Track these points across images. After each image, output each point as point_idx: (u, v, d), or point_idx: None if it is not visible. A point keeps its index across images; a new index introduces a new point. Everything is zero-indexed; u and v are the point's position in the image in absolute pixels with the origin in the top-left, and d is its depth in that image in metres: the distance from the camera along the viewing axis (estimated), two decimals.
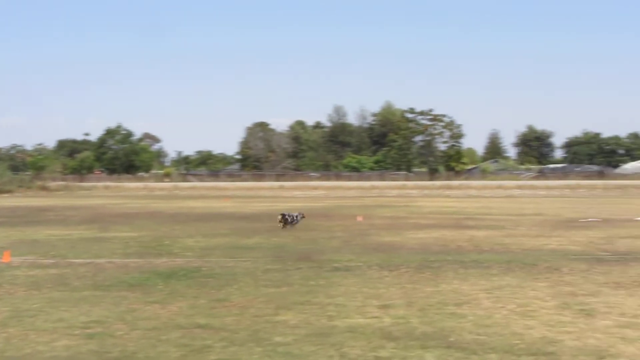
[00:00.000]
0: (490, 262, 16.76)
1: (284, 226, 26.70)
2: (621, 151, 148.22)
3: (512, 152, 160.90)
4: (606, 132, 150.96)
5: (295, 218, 27.45)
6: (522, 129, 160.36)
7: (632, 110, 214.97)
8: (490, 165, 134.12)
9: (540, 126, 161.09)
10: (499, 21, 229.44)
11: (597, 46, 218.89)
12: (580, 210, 37.69)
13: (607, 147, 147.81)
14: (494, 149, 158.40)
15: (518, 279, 14.35)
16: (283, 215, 27.36)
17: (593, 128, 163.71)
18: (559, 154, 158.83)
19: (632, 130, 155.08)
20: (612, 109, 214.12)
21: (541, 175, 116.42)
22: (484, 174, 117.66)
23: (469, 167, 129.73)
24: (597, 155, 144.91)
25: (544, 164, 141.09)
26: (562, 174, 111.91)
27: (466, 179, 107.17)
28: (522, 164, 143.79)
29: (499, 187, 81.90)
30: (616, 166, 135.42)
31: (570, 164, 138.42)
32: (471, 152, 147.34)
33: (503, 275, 14.83)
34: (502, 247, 20.27)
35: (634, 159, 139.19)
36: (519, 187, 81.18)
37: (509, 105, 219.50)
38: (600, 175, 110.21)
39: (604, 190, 72.45)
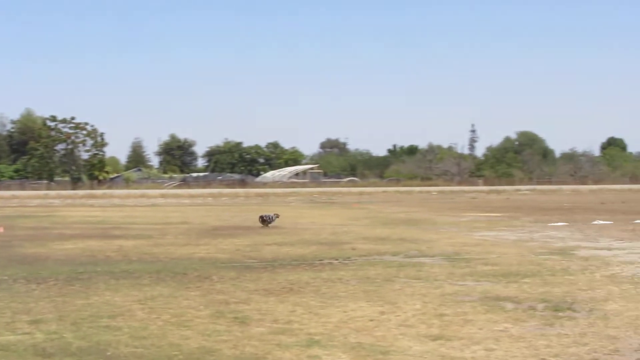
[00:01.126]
0: (140, 272, 16.47)
1: (264, 224, 31.30)
2: (261, 160, 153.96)
3: (155, 160, 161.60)
4: (247, 142, 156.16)
5: (271, 218, 31.66)
6: (165, 137, 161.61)
7: (271, 120, 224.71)
8: (133, 174, 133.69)
9: (182, 135, 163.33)
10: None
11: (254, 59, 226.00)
12: (225, 218, 38.43)
13: (248, 156, 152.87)
14: (137, 158, 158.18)
15: (170, 289, 14.20)
16: (261, 216, 31.98)
17: (234, 137, 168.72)
18: (201, 162, 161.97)
19: (271, 139, 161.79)
20: (251, 118, 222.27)
21: (184, 183, 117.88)
22: (128, 183, 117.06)
23: (112, 175, 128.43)
24: (238, 164, 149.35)
25: (187, 173, 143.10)
26: (205, 183, 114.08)
27: (109, 187, 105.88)
28: (165, 172, 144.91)
29: (143, 195, 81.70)
30: (257, 175, 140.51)
31: (212, 172, 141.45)
32: (114, 160, 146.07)
33: (155, 285, 14.61)
34: (151, 256, 20.03)
35: (273, 167, 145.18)
36: (163, 196, 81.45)
37: (151, 114, 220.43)
38: (242, 183, 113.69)
39: (245, 199, 74.60)
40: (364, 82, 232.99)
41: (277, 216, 32.39)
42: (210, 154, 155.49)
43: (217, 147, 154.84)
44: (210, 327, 10.68)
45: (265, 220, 31.48)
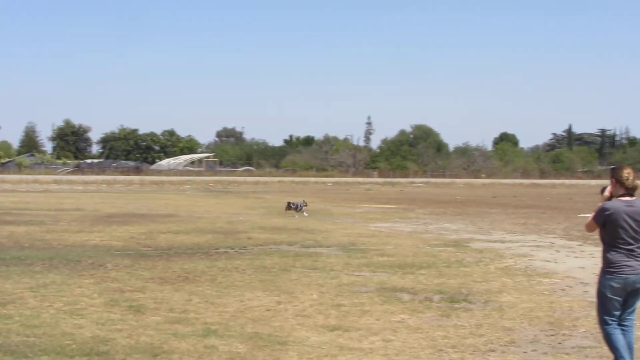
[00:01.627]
0: (32, 259, 16.11)
1: (288, 210, 32.73)
2: (157, 147, 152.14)
3: (48, 146, 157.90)
4: (142, 129, 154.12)
5: (299, 205, 32.56)
6: (59, 123, 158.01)
7: (168, 107, 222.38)
8: (26, 159, 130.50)
9: (77, 120, 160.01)
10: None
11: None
12: (119, 206, 37.86)
13: (143, 143, 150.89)
14: (30, 143, 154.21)
15: (63, 276, 13.91)
16: (289, 203, 33.33)
17: (130, 124, 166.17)
18: (95, 149, 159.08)
19: (167, 127, 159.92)
20: (147, 105, 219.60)
21: (78, 170, 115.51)
22: (20, 168, 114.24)
23: (4, 160, 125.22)
24: (133, 151, 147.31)
25: (81, 159, 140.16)
26: (99, 169, 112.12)
27: (1, 172, 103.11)
28: (58, 158, 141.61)
29: (36, 181, 79.69)
30: (152, 162, 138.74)
31: (107, 159, 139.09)
32: (6, 145, 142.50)
33: (47, 273, 14.30)
34: (43, 243, 19.62)
35: (168, 155, 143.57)
36: (56, 182, 79.64)
37: (45, 99, 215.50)
38: (137, 171, 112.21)
39: (140, 186, 73.65)
40: (261, 72, 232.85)
41: (306, 204, 33.11)
42: (105, 141, 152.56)
43: (113, 133, 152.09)
44: (104, 315, 10.49)
45: (291, 207, 32.74)
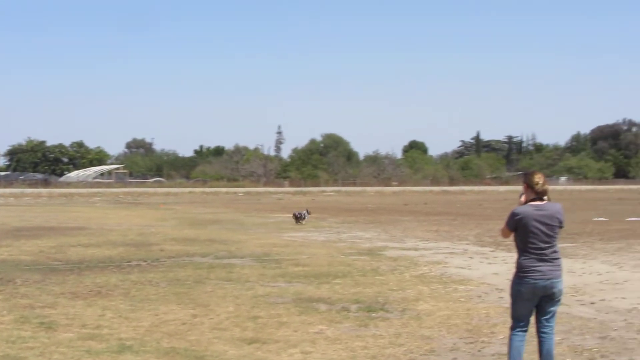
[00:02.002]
0: None
1: (297, 222, 32.90)
2: (65, 159, 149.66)
3: None
4: (50, 140, 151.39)
5: (303, 215, 33.24)
6: None
7: (76, 118, 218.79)
8: None
9: None
10: None
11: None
12: (27, 219, 37.06)
13: (52, 155, 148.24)
14: None
15: None
16: (294, 214, 33.69)
17: (37, 136, 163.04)
18: (2, 161, 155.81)
19: (76, 138, 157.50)
20: (55, 116, 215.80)
21: None
22: None
23: None
24: (41, 163, 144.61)
25: None
26: (6, 182, 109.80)
27: None
28: None
29: None
30: (61, 174, 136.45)
31: (14, 172, 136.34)
32: None
33: None
34: None
35: (77, 167, 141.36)
36: None
37: None
38: (45, 183, 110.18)
39: (49, 199, 72.28)
40: (170, 82, 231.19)
41: (309, 212, 34.27)
42: (12, 153, 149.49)
43: (20, 145, 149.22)
44: (14, 333, 10.18)
45: (297, 217, 33.21)
